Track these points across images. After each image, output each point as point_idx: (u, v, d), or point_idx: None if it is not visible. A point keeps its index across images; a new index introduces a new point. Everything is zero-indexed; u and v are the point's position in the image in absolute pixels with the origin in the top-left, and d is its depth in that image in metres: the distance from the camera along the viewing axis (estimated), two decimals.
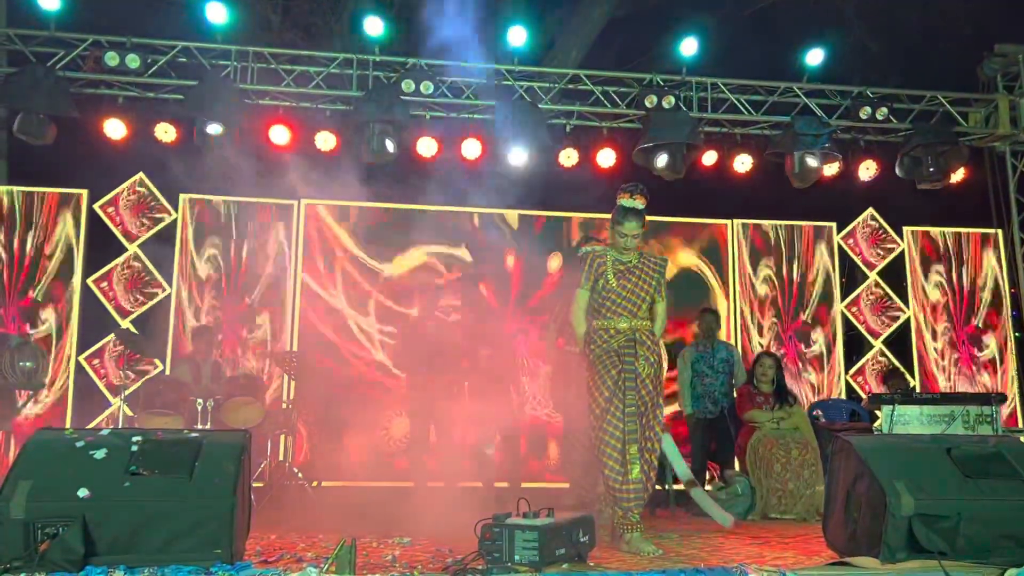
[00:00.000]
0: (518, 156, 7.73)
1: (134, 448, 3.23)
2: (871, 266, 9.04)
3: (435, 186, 8.32)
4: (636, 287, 4.21)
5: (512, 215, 8.75)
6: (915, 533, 3.22)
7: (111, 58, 7.28)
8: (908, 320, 8.93)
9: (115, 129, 7.42)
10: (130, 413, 7.38)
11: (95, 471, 3.13)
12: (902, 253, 9.08)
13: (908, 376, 8.65)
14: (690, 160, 7.95)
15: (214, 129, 7.10)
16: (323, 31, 9.61)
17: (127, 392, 7.29)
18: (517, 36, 7.90)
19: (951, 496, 3.32)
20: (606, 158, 8.02)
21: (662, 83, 8.02)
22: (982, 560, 3.19)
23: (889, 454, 3.48)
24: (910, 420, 7.00)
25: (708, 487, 6.65)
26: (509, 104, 7.80)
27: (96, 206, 8.01)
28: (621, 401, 4.01)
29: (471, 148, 7.87)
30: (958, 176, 8.16)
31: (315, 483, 7.28)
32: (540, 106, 7.92)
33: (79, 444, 3.25)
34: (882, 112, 8.14)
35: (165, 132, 7.41)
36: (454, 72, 7.97)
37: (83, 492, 3.05)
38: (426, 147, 7.77)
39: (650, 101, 7.90)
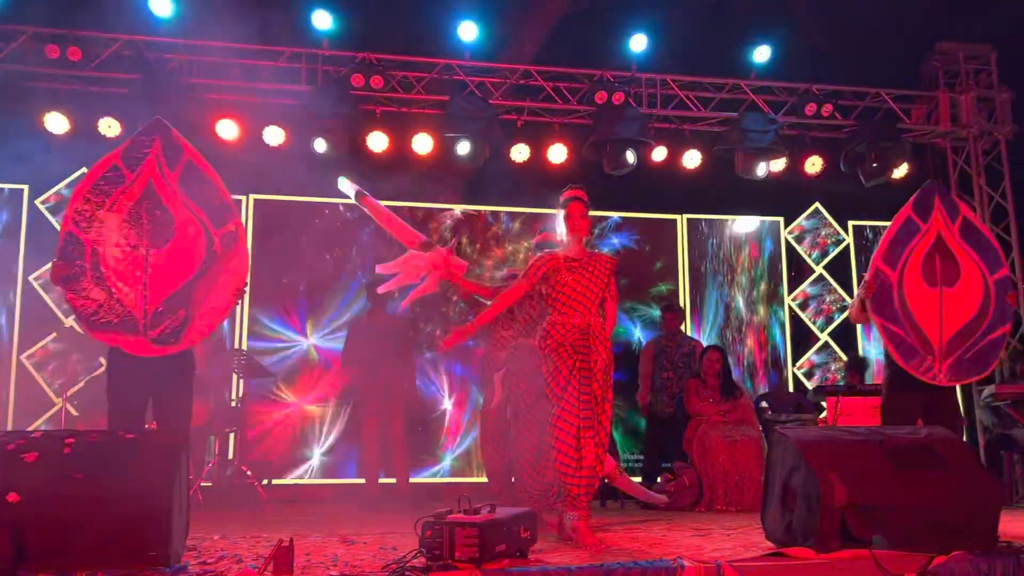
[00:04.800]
0: (468, 151, 7.74)
1: (66, 451, 3.17)
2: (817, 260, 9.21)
3: (387, 182, 8.31)
4: (589, 283, 4.25)
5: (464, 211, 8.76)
6: (848, 523, 3.28)
7: (52, 51, 7.15)
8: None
9: (57, 123, 7.28)
10: (75, 413, 7.27)
11: (25, 475, 3.05)
12: (847, 246, 9.24)
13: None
14: (640, 156, 8.00)
15: None
16: (271, 22, 9.47)
17: (71, 392, 7.17)
18: (468, 31, 7.89)
19: (882, 487, 3.37)
20: (557, 154, 8.05)
21: (612, 80, 8.07)
22: (912, 548, 3.25)
23: (824, 446, 3.53)
24: (857, 413, 7.15)
25: (658, 479, 6.74)
26: (460, 100, 7.79)
27: (37, 202, 7.85)
28: (576, 390, 4.05)
29: (423, 143, 7.85)
30: (901, 172, 8.30)
31: (264, 481, 7.22)
32: (491, 101, 7.93)
33: (9, 448, 3.18)
34: (827, 109, 8.29)
35: (108, 127, 7.29)
36: (407, 65, 7.96)
37: (13, 496, 2.98)
38: (376, 142, 7.74)
39: (600, 97, 7.96)
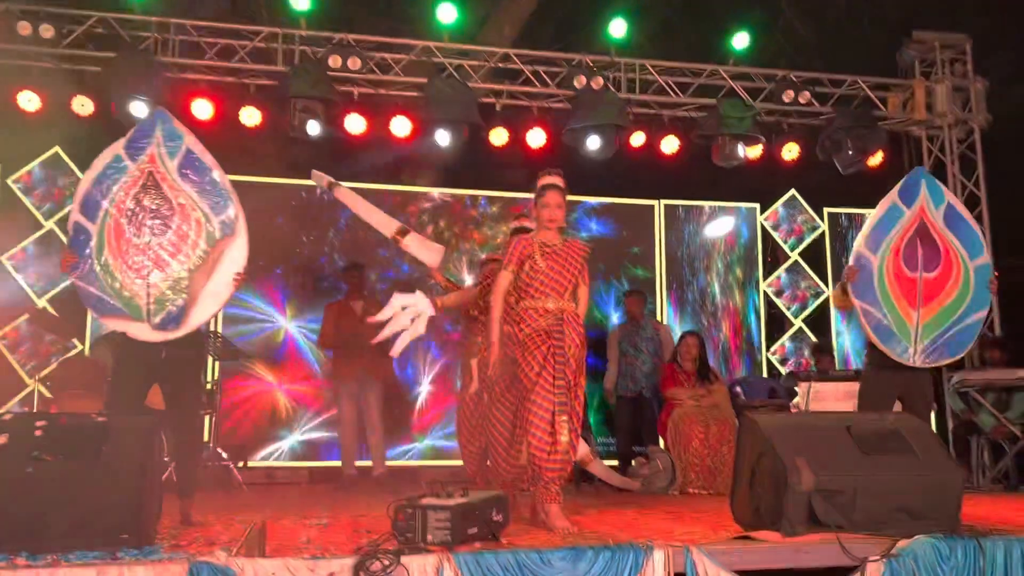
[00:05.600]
0: (448, 135, 7.72)
1: (37, 433, 3.18)
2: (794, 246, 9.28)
3: (364, 164, 8.28)
4: (563, 269, 4.26)
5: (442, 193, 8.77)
6: (814, 507, 3.33)
7: (23, 27, 7.05)
8: (828, 299, 9.09)
9: (29, 101, 7.18)
10: (48, 395, 7.23)
11: None
12: (823, 233, 9.31)
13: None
14: (619, 141, 7.99)
15: (138, 108, 6.92)
16: (248, 3, 9.39)
17: (43, 373, 7.12)
18: (447, 13, 7.85)
19: (849, 472, 3.42)
20: (536, 138, 8.02)
21: (591, 64, 8.05)
22: (877, 532, 3.30)
23: (791, 432, 3.57)
24: (829, 398, 7.22)
25: (632, 463, 6.80)
26: (438, 84, 7.76)
27: (9, 180, 7.75)
28: (551, 375, 4.07)
29: (401, 125, 7.81)
30: (876, 159, 8.34)
31: (240, 464, 7.22)
32: (470, 84, 7.90)
33: None
34: (805, 96, 8.32)
35: (82, 105, 7.20)
36: (384, 47, 7.91)
37: None
38: (353, 125, 7.70)
39: (579, 82, 7.94)
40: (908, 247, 5.10)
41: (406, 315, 5.11)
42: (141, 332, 4.15)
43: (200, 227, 4.25)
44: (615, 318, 8.65)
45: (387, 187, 8.60)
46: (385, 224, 5.39)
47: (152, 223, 4.20)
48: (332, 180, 5.53)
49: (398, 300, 5.14)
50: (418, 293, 5.21)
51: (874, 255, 5.07)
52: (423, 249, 5.39)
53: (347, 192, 5.54)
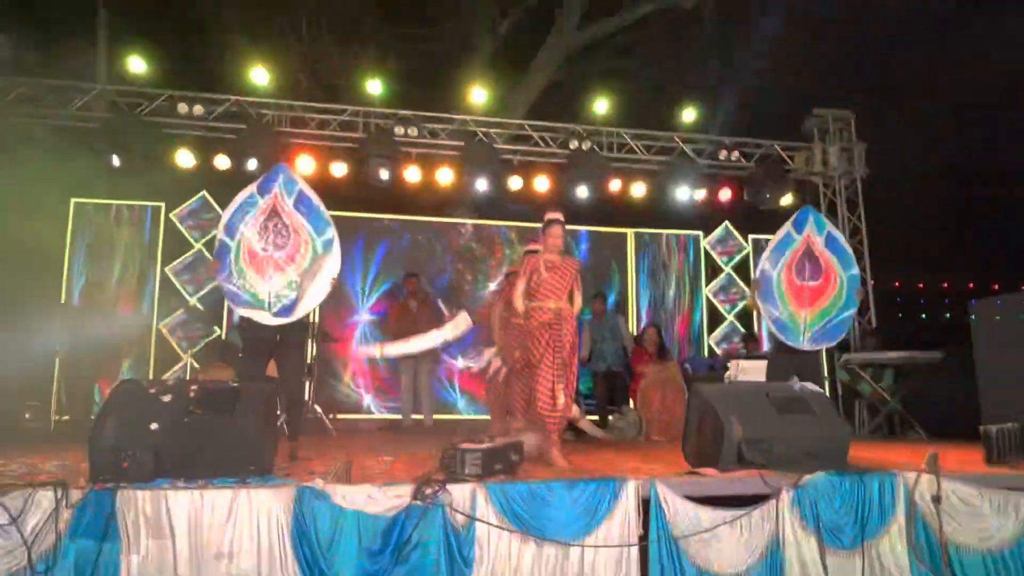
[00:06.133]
0: (480, 182, 7.75)
1: (191, 394, 3.21)
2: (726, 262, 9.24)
3: (419, 203, 8.32)
4: (561, 279, 4.25)
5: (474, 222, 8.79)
6: (742, 451, 3.33)
7: (182, 107, 7.14)
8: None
9: (185, 159, 7.27)
10: (197, 367, 7.30)
11: (163, 411, 3.10)
12: (748, 253, 9.27)
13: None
14: (601, 187, 8.00)
15: (261, 164, 6.97)
16: (338, 87, 9.47)
17: (194, 351, 7.19)
18: (478, 95, 7.89)
19: (767, 425, 3.42)
20: (542, 184, 8.05)
21: (582, 131, 8.07)
22: (788, 469, 3.30)
23: (726, 397, 3.56)
24: (750, 373, 7.18)
25: (610, 418, 6.78)
26: (472, 146, 7.79)
27: (172, 215, 7.84)
28: (551, 356, 4.06)
29: (446, 175, 7.85)
30: (787, 200, 8.30)
31: (331, 416, 7.26)
32: (495, 146, 7.92)
33: (151, 391, 3.22)
34: (735, 155, 8.30)
35: (221, 162, 7.29)
36: (433, 120, 7.95)
37: (154, 426, 3.04)
38: (411, 175, 7.74)
39: (573, 144, 7.95)
40: (798, 263, 5.07)
41: (454, 332, 5.06)
42: (263, 319, 4.16)
43: (307, 245, 4.27)
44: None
45: (434, 219, 8.62)
46: (429, 339, 5.32)
47: (274, 241, 4.22)
48: (380, 349, 5.45)
49: (451, 333, 5.07)
50: (463, 313, 5.17)
51: (774, 269, 5.05)
52: (459, 328, 5.33)
53: (394, 346, 5.46)
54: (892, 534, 3.18)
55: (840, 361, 7.17)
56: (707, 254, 9.21)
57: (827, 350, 7.42)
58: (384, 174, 7.42)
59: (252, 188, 4.32)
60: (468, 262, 8.63)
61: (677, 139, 8.33)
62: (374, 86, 7.66)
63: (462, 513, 2.92)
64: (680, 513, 3.06)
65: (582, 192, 7.92)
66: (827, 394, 4.53)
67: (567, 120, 8.29)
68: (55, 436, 6.07)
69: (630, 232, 9.09)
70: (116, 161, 6.93)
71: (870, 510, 3.19)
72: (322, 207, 4.35)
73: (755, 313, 8.86)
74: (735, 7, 10.30)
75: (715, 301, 9.11)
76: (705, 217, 8.97)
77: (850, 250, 5.29)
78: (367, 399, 7.98)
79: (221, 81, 7.92)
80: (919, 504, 3.22)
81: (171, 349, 7.60)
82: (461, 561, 2.88)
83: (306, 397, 7.40)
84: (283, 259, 4.21)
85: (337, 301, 7.95)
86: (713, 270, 9.22)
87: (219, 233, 4.24)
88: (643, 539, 3.00)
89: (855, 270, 5.20)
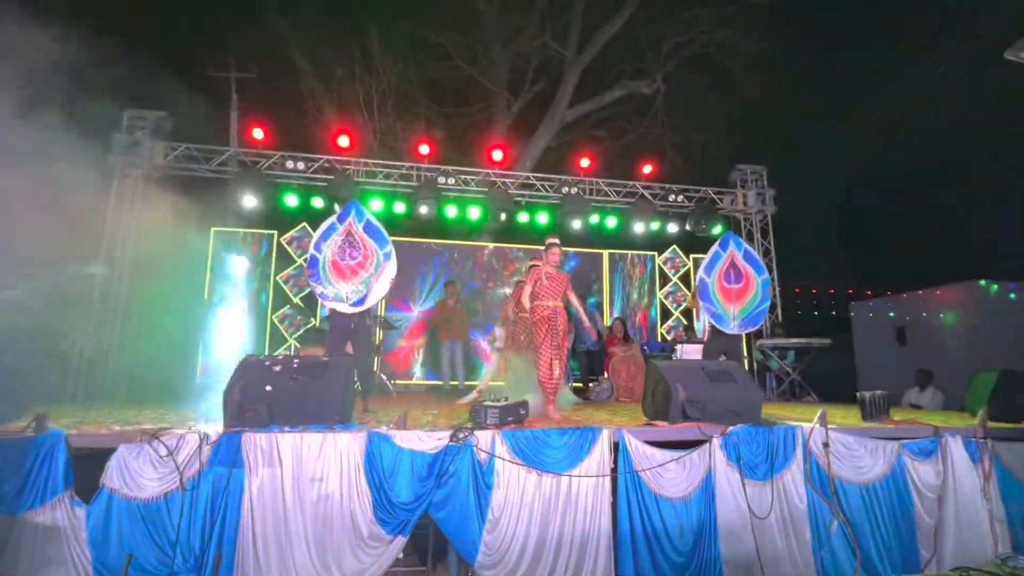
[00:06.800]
0: (498, 216, 7.73)
1: (294, 365, 3.23)
2: (674, 274, 9.15)
3: (456, 232, 8.30)
4: (557, 285, 4.25)
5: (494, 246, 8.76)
6: (685, 409, 3.31)
7: (289, 163, 7.19)
8: (688, 302, 8.88)
9: (290, 200, 7.31)
10: (298, 346, 7.32)
11: (275, 377, 3.12)
12: (688, 268, 9.18)
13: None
14: (585, 220, 7.95)
15: (343, 205, 6.94)
16: (398, 148, 9.51)
17: (296, 335, 7.22)
18: (497, 153, 7.88)
19: (703, 391, 3.40)
20: (543, 218, 8.00)
21: (571, 180, 8.04)
22: (717, 422, 3.28)
23: (673, 370, 3.53)
24: (690, 353, 7.10)
25: (590, 385, 6.73)
26: (493, 191, 7.79)
27: (282, 239, 7.90)
28: (550, 340, 4.06)
29: (474, 212, 7.84)
30: (718, 230, 8.21)
31: (393, 382, 7.26)
32: (509, 191, 7.92)
33: (267, 363, 3.24)
34: (681, 198, 8.23)
35: (316, 203, 7.30)
36: (465, 173, 7.96)
37: (268, 388, 3.06)
38: (450, 212, 7.74)
39: (565, 190, 7.91)
40: (726, 272, 5.02)
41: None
42: (343, 309, 4.14)
43: (373, 256, 4.26)
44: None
45: (465, 243, 8.61)
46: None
47: (349, 253, 4.23)
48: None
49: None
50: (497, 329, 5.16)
51: (708, 277, 5.00)
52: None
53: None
54: (793, 470, 3.17)
55: (756, 345, 7.08)
56: (660, 268, 9.13)
57: (746, 336, 7.35)
58: (429, 213, 7.43)
59: (333, 218, 4.34)
60: (489, 273, 8.59)
61: (638, 186, 8.27)
62: (423, 148, 7.68)
63: (485, 451, 2.94)
64: (640, 453, 3.07)
65: (572, 224, 7.89)
66: (746, 368, 4.49)
67: (561, 172, 8.25)
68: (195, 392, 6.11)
69: (605, 253, 9.01)
70: (245, 202, 6.98)
71: (777, 452, 3.17)
72: (383, 229, 4.35)
73: (694, 311, 8.79)
74: (682, 93, 10.26)
75: (666, 302, 9.02)
76: (659, 242, 8.89)
77: (763, 262, 5.23)
78: (418, 369, 7.97)
79: (317, 144, 7.98)
80: (813, 448, 3.19)
81: (280, 334, 7.65)
82: (484, 485, 2.91)
83: (374, 367, 7.44)
84: (356, 266, 4.21)
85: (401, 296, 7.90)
86: (664, 280, 9.14)
87: (311, 249, 4.25)
88: (614, 471, 3.02)
89: (766, 275, 5.15)
